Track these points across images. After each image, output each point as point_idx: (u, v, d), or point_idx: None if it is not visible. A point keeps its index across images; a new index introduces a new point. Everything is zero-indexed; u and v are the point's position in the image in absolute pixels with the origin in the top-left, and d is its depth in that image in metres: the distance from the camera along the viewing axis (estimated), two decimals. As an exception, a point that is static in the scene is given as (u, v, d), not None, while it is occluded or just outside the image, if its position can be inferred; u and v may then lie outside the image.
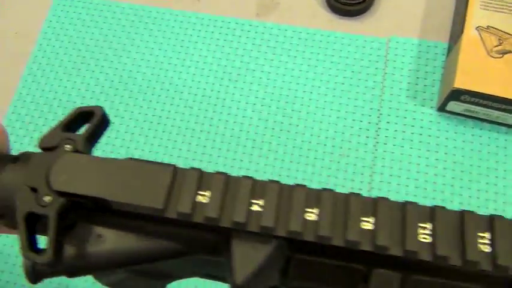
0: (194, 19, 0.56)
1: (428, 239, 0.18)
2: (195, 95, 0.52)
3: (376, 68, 0.52)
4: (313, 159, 0.48)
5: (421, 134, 0.48)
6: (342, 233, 0.19)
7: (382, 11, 0.55)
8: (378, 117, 0.49)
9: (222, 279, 0.27)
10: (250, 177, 0.20)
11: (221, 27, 0.55)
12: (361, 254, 0.19)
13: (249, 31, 0.55)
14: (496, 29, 0.47)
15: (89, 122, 0.23)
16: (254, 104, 0.51)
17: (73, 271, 0.22)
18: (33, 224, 0.21)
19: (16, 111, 0.52)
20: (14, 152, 0.26)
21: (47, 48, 0.55)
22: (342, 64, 0.52)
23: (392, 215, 0.19)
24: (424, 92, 0.50)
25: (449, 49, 0.50)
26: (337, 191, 0.20)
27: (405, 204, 0.19)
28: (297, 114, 0.50)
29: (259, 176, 0.49)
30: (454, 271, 0.18)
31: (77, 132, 0.23)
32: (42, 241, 0.21)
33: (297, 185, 0.20)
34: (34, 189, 0.21)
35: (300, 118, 0.50)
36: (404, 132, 0.49)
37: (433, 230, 0.18)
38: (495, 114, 0.46)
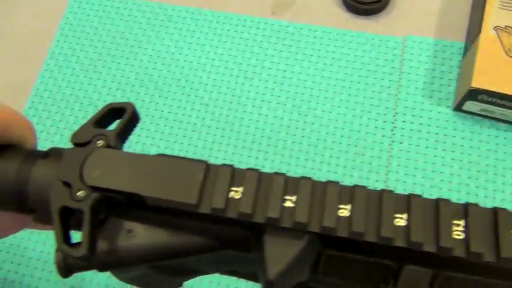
0: (210, 17, 0.56)
1: (462, 236, 0.18)
2: (211, 92, 0.52)
3: (392, 67, 0.52)
4: (328, 157, 0.48)
5: (436, 134, 0.48)
6: (376, 229, 0.19)
7: (398, 10, 0.55)
8: (394, 116, 0.49)
9: (244, 276, 0.27)
10: (283, 174, 0.20)
11: (237, 25, 0.55)
12: (392, 250, 0.19)
13: (264, 29, 0.55)
14: (513, 28, 0.47)
15: (119, 118, 0.23)
16: (269, 102, 0.51)
17: (103, 266, 0.22)
18: (66, 219, 0.21)
19: (33, 107, 0.53)
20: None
21: (64, 45, 0.56)
22: (358, 63, 0.52)
23: (426, 211, 0.19)
24: (440, 92, 0.50)
25: (466, 49, 0.50)
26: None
27: (438, 201, 0.19)
28: (313, 112, 0.50)
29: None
30: (487, 268, 0.18)
31: (108, 128, 0.23)
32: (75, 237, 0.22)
33: (329, 181, 0.20)
34: (67, 184, 0.21)
35: (315, 116, 0.50)
36: (420, 131, 0.49)
37: (467, 226, 0.18)
38: (512, 114, 0.46)
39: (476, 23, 0.49)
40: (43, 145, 0.35)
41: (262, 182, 0.20)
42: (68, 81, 0.54)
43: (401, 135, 0.48)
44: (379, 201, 0.19)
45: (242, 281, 0.44)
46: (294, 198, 0.20)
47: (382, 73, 0.52)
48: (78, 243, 0.20)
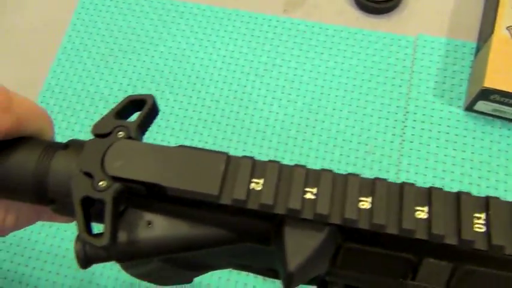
0: (221, 14, 0.56)
1: (483, 229, 0.18)
2: (222, 89, 0.52)
3: (404, 66, 0.52)
4: (338, 155, 0.48)
5: (447, 133, 0.48)
6: (397, 221, 0.19)
7: (410, 9, 0.55)
8: (405, 115, 0.49)
9: (256, 271, 0.27)
10: (303, 166, 0.20)
11: (248, 22, 0.55)
12: (411, 244, 0.19)
13: (276, 27, 0.55)
14: (526, 29, 0.47)
15: (139, 109, 0.23)
16: (280, 100, 0.51)
17: (123, 256, 0.22)
18: (87, 209, 0.21)
19: (45, 101, 0.53)
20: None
21: (76, 40, 0.56)
22: (369, 61, 0.52)
23: (447, 204, 0.19)
24: (452, 91, 0.50)
25: (478, 48, 0.50)
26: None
27: (459, 194, 0.19)
28: (323, 110, 0.50)
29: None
30: (507, 261, 0.18)
31: (128, 120, 0.23)
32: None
33: (350, 174, 0.20)
34: (88, 175, 0.21)
35: (325, 114, 0.50)
36: (430, 130, 0.48)
37: (488, 219, 0.18)
38: (524, 114, 0.46)
39: (489, 23, 0.49)
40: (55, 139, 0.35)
41: (283, 174, 0.20)
42: (79, 76, 0.54)
43: (412, 135, 0.48)
44: (400, 194, 0.19)
45: (251, 277, 0.44)
46: (315, 190, 0.20)
47: (394, 72, 0.51)
48: (100, 234, 0.20)
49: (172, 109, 0.52)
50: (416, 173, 0.47)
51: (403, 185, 0.20)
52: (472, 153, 0.47)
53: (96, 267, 0.45)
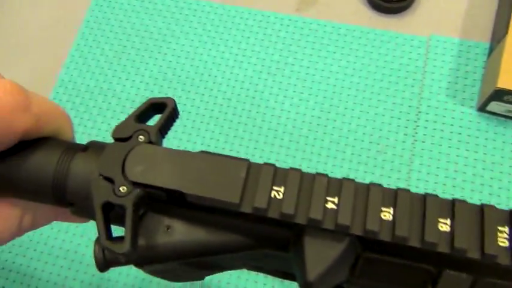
0: (234, 12, 0.56)
1: (507, 244, 0.18)
2: (234, 87, 0.52)
3: (416, 66, 0.51)
4: (350, 154, 0.48)
5: (460, 134, 0.48)
6: (419, 234, 0.18)
7: (423, 9, 0.55)
8: (417, 115, 0.49)
9: (270, 272, 0.26)
10: (325, 175, 0.20)
11: (260, 21, 0.56)
12: (432, 255, 0.19)
13: (288, 25, 0.55)
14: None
15: (159, 112, 0.23)
16: (292, 98, 0.51)
17: (142, 261, 0.22)
18: (107, 214, 0.21)
19: (57, 97, 0.53)
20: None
21: (89, 37, 0.56)
22: (381, 61, 0.52)
23: (471, 217, 0.19)
24: (464, 92, 0.50)
25: (491, 49, 0.50)
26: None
27: (483, 207, 0.19)
28: (335, 109, 0.50)
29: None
30: None
31: (147, 123, 0.23)
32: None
33: (372, 184, 0.20)
34: (109, 179, 0.21)
35: (337, 113, 0.50)
36: (442, 131, 0.48)
37: (511, 233, 0.18)
38: (537, 115, 0.46)
39: (503, 23, 0.49)
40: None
41: (304, 182, 0.20)
42: (92, 73, 0.54)
43: (424, 134, 0.48)
44: (423, 205, 0.19)
45: (261, 274, 0.44)
46: (336, 199, 0.19)
47: (406, 72, 0.51)
48: (119, 238, 0.20)
49: (184, 106, 0.52)
50: (428, 173, 0.47)
51: (425, 196, 0.19)
52: (485, 154, 0.47)
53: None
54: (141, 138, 0.22)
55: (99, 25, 0.57)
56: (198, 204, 0.21)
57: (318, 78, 0.52)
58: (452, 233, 0.18)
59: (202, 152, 0.21)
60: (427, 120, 0.49)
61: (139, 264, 0.22)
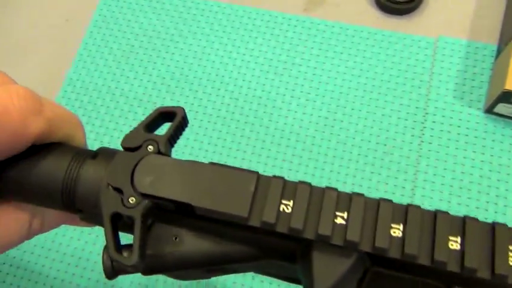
0: (241, 12, 0.56)
1: None
2: (241, 87, 0.53)
3: (423, 67, 0.51)
4: (356, 155, 0.48)
5: (467, 135, 0.48)
6: (429, 252, 0.18)
7: (431, 11, 0.55)
8: (424, 116, 0.49)
9: (277, 277, 0.27)
10: (335, 189, 0.20)
11: (268, 21, 0.56)
12: (442, 272, 0.19)
13: (295, 26, 0.55)
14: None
15: (168, 121, 0.23)
16: (299, 98, 0.51)
17: (150, 271, 0.22)
18: (115, 224, 0.21)
19: (66, 96, 0.54)
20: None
21: (97, 36, 0.57)
22: (389, 62, 0.52)
23: (482, 236, 0.19)
24: (471, 93, 0.50)
25: (499, 51, 0.50)
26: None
27: (494, 226, 0.19)
28: (342, 110, 0.50)
29: (302, 169, 0.50)
30: None
31: (156, 133, 0.23)
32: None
33: (383, 199, 0.20)
34: (117, 190, 0.21)
35: (344, 114, 0.50)
36: (449, 132, 0.48)
37: None
38: (545, 118, 0.46)
39: (511, 25, 0.49)
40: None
41: (313, 196, 0.20)
42: (100, 72, 0.55)
43: (431, 136, 0.48)
44: (433, 223, 0.19)
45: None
46: (345, 214, 0.19)
47: (413, 73, 0.51)
48: (128, 246, 0.21)
49: (191, 106, 0.52)
50: (435, 175, 0.47)
51: (436, 213, 0.19)
52: (491, 155, 0.47)
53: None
54: (150, 148, 0.22)
55: (107, 24, 0.57)
56: (206, 215, 0.21)
57: (325, 79, 0.52)
58: (462, 251, 0.18)
59: (212, 163, 0.21)
60: (434, 122, 0.49)
61: (147, 273, 0.22)
